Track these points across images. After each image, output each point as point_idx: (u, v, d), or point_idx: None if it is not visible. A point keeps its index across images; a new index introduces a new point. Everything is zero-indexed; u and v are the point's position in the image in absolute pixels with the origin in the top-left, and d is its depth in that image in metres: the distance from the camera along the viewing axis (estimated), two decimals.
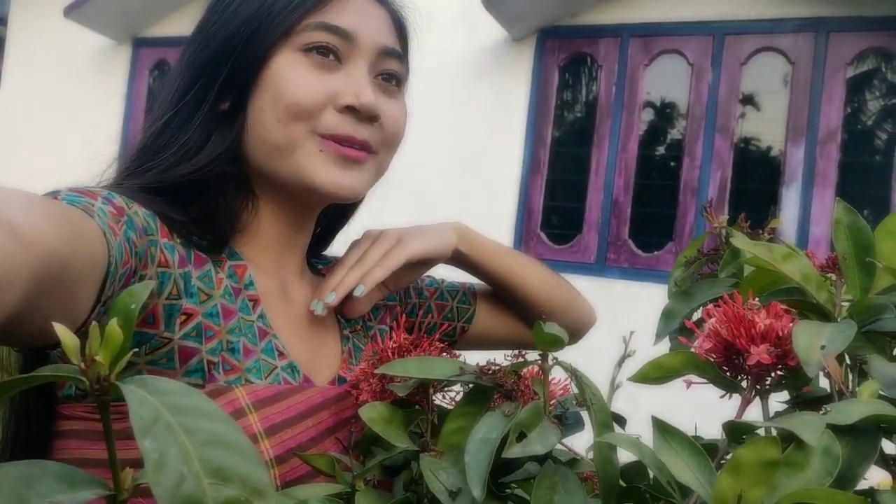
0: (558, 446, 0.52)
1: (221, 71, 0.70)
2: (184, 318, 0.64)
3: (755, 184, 3.79)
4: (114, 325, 0.32)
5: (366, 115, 0.70)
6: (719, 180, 3.75)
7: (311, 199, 0.75)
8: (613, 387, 0.65)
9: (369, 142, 0.72)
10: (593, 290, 4.21)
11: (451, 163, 4.21)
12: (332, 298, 0.75)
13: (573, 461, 0.55)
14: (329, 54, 0.70)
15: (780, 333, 0.50)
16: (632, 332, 0.67)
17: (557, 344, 0.51)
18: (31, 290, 0.41)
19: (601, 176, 3.98)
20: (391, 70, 0.75)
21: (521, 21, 3.98)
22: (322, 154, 0.69)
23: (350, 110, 0.70)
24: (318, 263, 0.87)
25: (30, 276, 0.41)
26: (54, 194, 0.56)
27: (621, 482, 0.50)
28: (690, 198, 3.81)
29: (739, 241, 0.56)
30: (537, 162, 4.11)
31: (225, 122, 0.71)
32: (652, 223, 3.94)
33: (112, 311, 0.34)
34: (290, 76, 0.69)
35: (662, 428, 0.40)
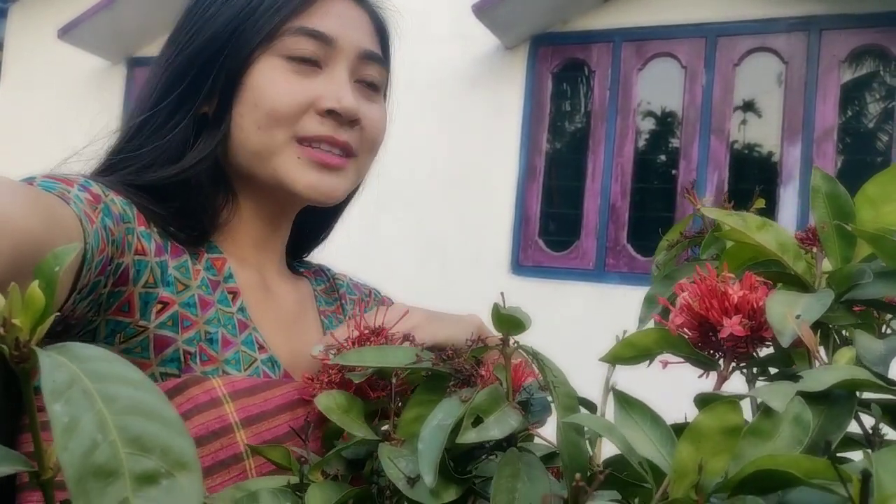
0: (537, 440, 0.49)
1: (203, 75, 0.70)
2: (160, 306, 0.63)
3: (753, 184, 3.76)
4: (35, 287, 0.30)
5: (347, 119, 0.71)
6: (716, 182, 3.73)
7: (289, 201, 0.75)
8: (608, 387, 0.62)
9: (351, 144, 0.72)
10: (593, 297, 4.14)
11: (447, 172, 4.19)
12: (318, 352, 0.67)
13: (552, 455, 0.53)
14: (310, 59, 0.70)
15: (755, 305, 0.47)
16: (625, 332, 0.64)
17: (518, 327, 0.49)
18: (4, 273, 0.40)
19: (598, 181, 3.95)
20: (371, 74, 0.75)
21: (512, 29, 3.97)
22: (300, 160, 0.70)
23: (331, 114, 0.70)
24: (299, 267, 0.87)
25: (2, 259, 0.40)
26: (30, 180, 0.55)
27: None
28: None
29: (711, 211, 0.54)
30: (533, 169, 4.09)
31: (209, 125, 0.71)
32: (650, 227, 3.90)
33: (36, 273, 0.32)
34: (271, 82, 0.69)
35: (624, 400, 0.37)
